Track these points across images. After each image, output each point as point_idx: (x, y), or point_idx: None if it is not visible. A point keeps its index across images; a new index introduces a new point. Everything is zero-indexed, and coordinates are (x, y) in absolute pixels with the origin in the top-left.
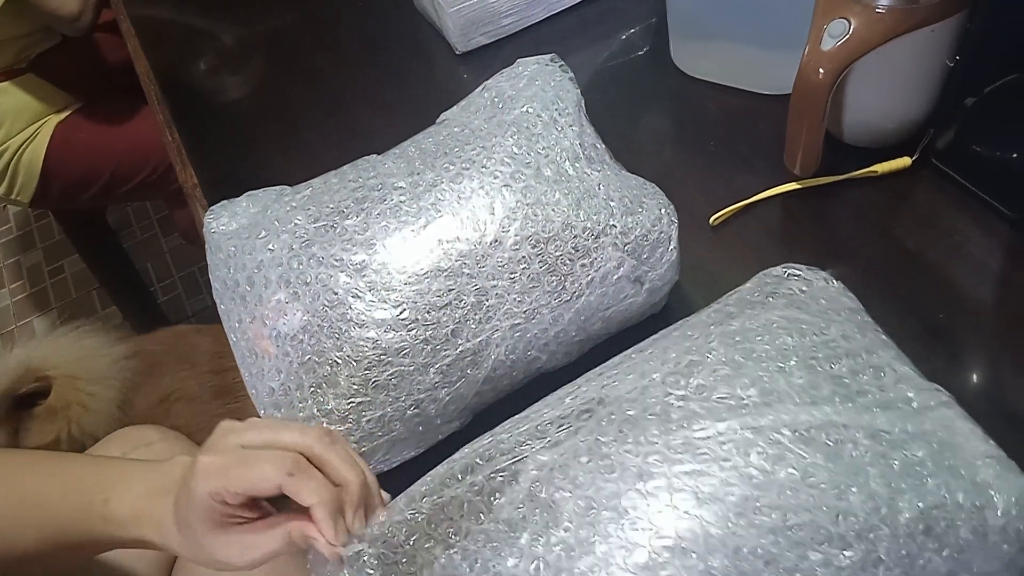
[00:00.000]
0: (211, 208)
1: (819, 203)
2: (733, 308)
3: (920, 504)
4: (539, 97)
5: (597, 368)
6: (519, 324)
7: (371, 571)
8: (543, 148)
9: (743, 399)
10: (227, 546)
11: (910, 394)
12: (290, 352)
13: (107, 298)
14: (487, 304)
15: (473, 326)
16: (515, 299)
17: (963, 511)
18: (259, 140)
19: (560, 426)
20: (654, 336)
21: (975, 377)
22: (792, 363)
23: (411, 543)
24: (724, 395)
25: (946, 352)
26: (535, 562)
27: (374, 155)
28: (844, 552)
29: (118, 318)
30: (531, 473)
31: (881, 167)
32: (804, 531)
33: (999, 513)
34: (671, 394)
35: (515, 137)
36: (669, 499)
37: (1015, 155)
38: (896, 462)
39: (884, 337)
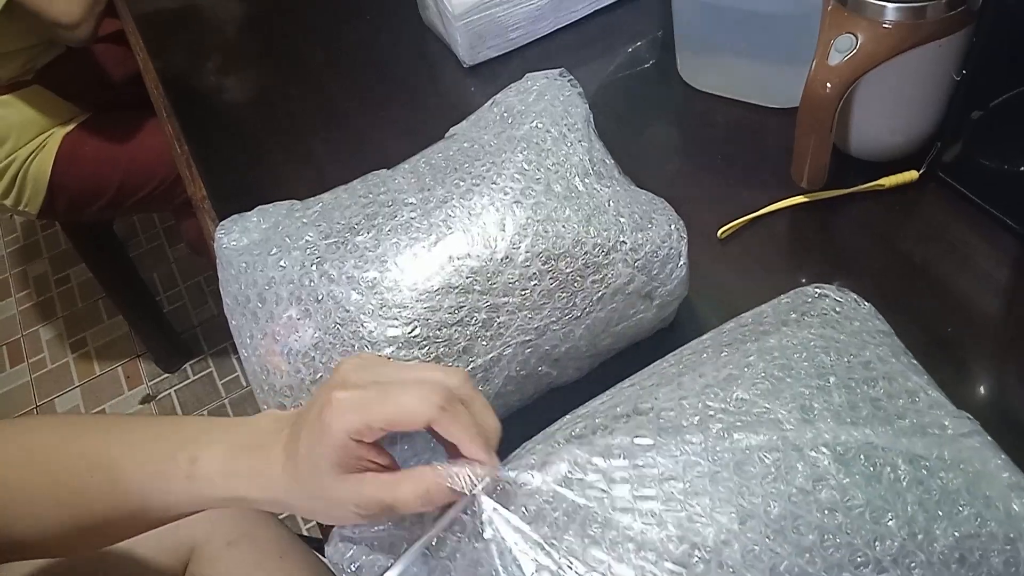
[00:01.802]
0: (222, 224)
1: (826, 216)
2: (768, 324)
3: (956, 533)
4: (548, 112)
5: (626, 380)
6: (530, 340)
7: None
8: (553, 164)
9: (783, 415)
10: (358, 492)
11: (945, 421)
12: (302, 369)
13: (113, 308)
14: (498, 321)
15: (484, 343)
16: (526, 316)
17: (996, 542)
18: (267, 153)
19: (594, 431)
20: (681, 349)
21: (982, 390)
22: (831, 382)
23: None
24: (764, 409)
25: (953, 365)
26: (565, 559)
27: (384, 170)
28: (880, 575)
29: (124, 328)
30: (563, 468)
31: (888, 181)
32: (841, 552)
33: None
34: (710, 406)
35: (525, 153)
36: (708, 509)
37: (1022, 168)
38: (933, 489)
39: (915, 362)
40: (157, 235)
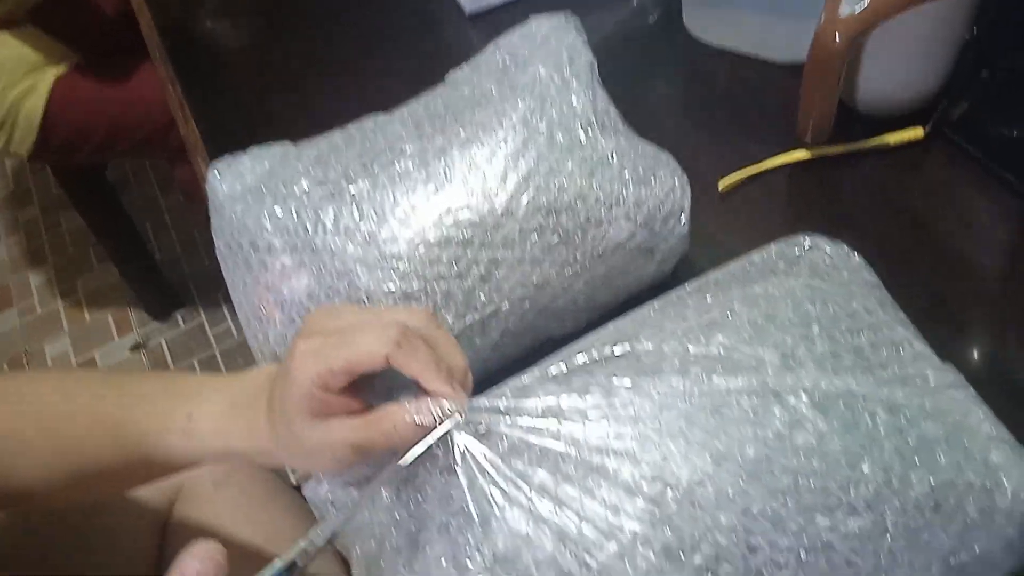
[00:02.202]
0: (214, 165)
1: (829, 173)
2: (754, 272)
3: (932, 480)
4: (552, 58)
5: (609, 325)
6: (528, 295)
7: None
8: (556, 114)
9: (764, 361)
10: (328, 436)
11: (928, 372)
12: (296, 320)
13: (104, 255)
14: (497, 275)
15: (483, 297)
16: (525, 270)
17: (973, 491)
18: (262, 96)
19: (573, 370)
20: (666, 294)
21: (980, 350)
22: (815, 331)
23: None
24: (745, 355)
25: (952, 325)
26: (541, 500)
27: (381, 115)
28: (852, 519)
29: (115, 275)
30: (538, 404)
31: (893, 137)
32: (814, 496)
33: (1008, 496)
34: (691, 350)
35: (527, 101)
36: (684, 450)
37: None
38: (911, 438)
39: (902, 315)
40: (150, 184)
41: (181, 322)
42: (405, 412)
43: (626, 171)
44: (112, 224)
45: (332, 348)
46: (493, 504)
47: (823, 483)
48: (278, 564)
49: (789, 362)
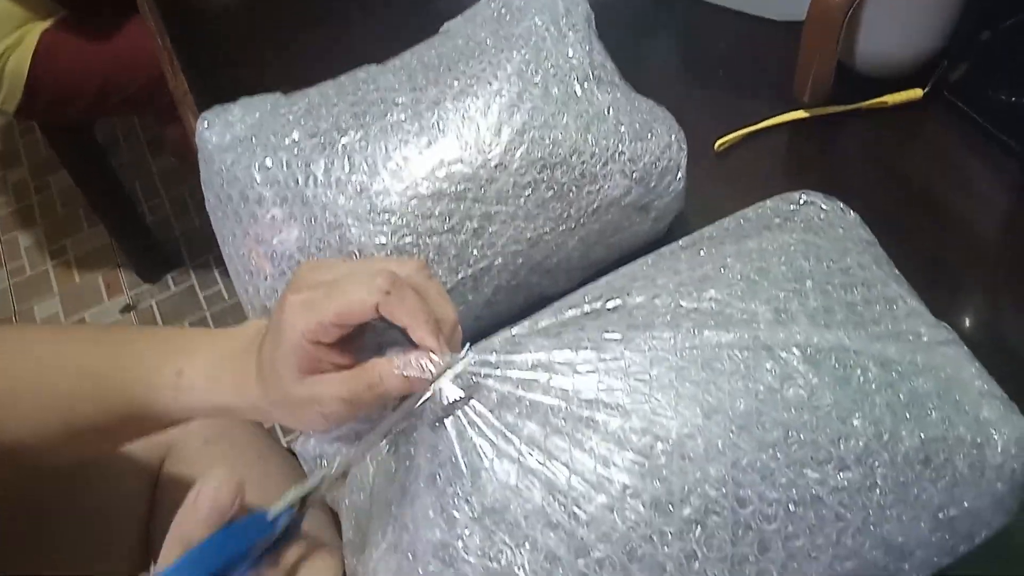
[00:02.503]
0: (203, 115)
1: (827, 133)
2: (748, 227)
3: (922, 435)
4: (548, 9)
5: (601, 279)
6: (522, 250)
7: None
8: (552, 66)
9: (757, 316)
10: (316, 391)
11: (921, 329)
12: (286, 272)
13: (94, 216)
14: (490, 230)
15: (475, 252)
16: (519, 225)
17: (963, 446)
18: (253, 48)
19: (564, 323)
20: (659, 250)
21: (975, 313)
22: (808, 286)
23: None
24: (738, 310)
25: (948, 286)
26: (531, 451)
27: (373, 65)
28: (841, 473)
29: (105, 237)
30: (528, 358)
31: (891, 98)
32: (804, 450)
33: (999, 451)
34: (682, 304)
35: (522, 52)
36: (674, 404)
37: None
38: (903, 392)
39: (896, 271)
40: (141, 146)
41: (172, 284)
42: (391, 364)
43: (622, 126)
44: (102, 185)
45: (322, 300)
46: (482, 456)
47: (813, 437)
48: (291, 495)
49: (781, 316)
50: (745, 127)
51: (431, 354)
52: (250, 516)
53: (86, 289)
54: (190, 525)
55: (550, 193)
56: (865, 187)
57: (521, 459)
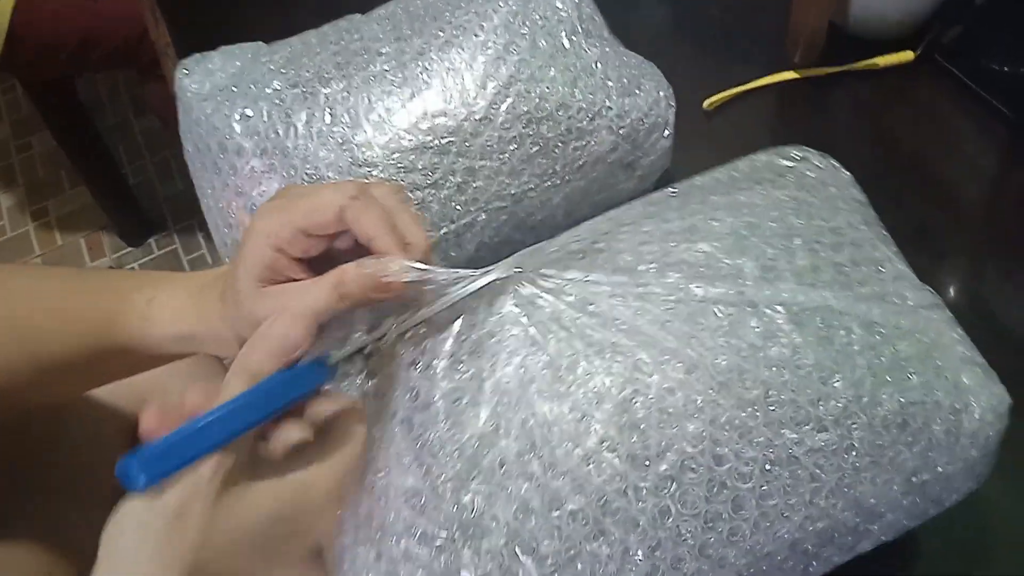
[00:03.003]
0: (182, 63)
1: (817, 94)
2: (741, 180)
3: (901, 399)
4: None
5: (588, 222)
6: (506, 207)
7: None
8: (540, 18)
9: (743, 270)
10: (279, 301)
11: (906, 292)
12: None
13: (76, 178)
14: (474, 185)
15: (458, 208)
16: (503, 181)
17: (941, 411)
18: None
19: (552, 268)
20: (648, 196)
21: (960, 276)
22: (796, 244)
23: None
24: (725, 264)
25: (933, 251)
26: (506, 396)
27: (358, 15)
28: (819, 434)
29: (87, 198)
30: (512, 308)
31: (883, 60)
32: (784, 409)
33: (975, 418)
34: (670, 253)
35: (510, 3)
36: (656, 357)
37: (1020, 55)
38: (885, 355)
39: (885, 233)
40: (124, 106)
41: (155, 248)
42: (358, 265)
43: (610, 81)
44: (84, 145)
45: (289, 203)
46: (460, 403)
47: (793, 397)
48: (353, 342)
49: (768, 273)
50: (735, 87)
51: (395, 259)
52: (313, 360)
53: (68, 251)
54: (259, 355)
55: (535, 148)
56: (854, 149)
57: (498, 408)
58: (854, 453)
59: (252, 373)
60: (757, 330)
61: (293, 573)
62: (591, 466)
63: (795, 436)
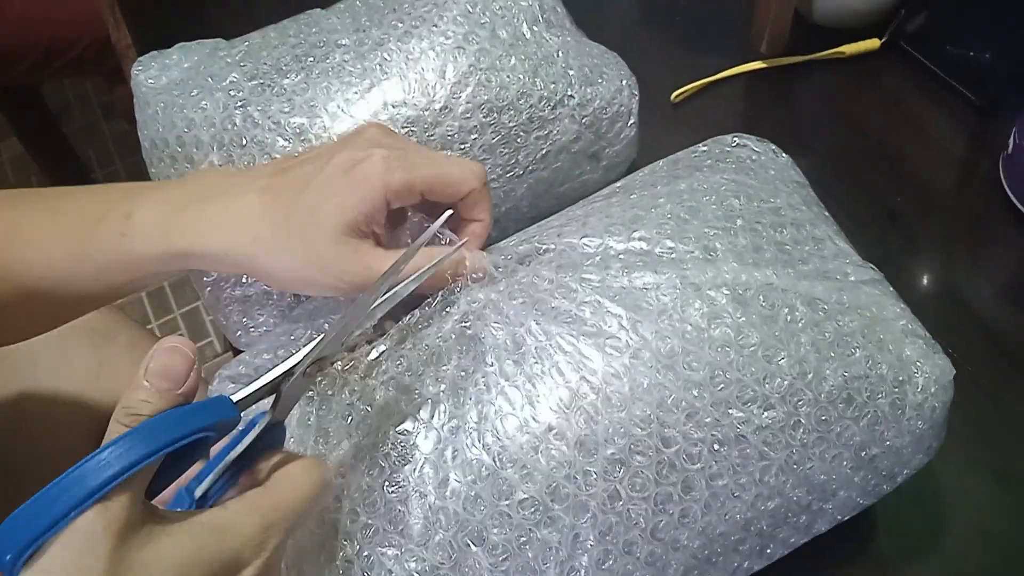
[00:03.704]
0: (139, 60)
1: (784, 84)
2: (681, 169)
3: (845, 374)
4: None
5: (533, 226)
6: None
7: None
8: (499, 7)
9: (685, 254)
10: (356, 254)
11: (848, 269)
12: None
13: (48, 183)
14: None
15: None
16: None
17: (885, 384)
18: (199, 1)
19: (497, 267)
20: (593, 195)
21: (928, 260)
22: (738, 224)
23: None
24: (666, 249)
25: (902, 236)
26: (455, 391)
27: (318, 9)
28: (766, 412)
29: None
30: (461, 306)
31: (849, 48)
32: (730, 389)
33: (919, 389)
34: (612, 245)
35: None
36: (600, 345)
37: (985, 41)
38: (828, 331)
39: (827, 213)
40: (93, 111)
41: None
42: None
43: (572, 70)
44: (54, 152)
45: (418, 161)
46: (407, 396)
47: (739, 376)
48: (261, 379)
49: (710, 255)
50: (702, 78)
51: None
52: (211, 398)
53: None
54: (139, 399)
55: (497, 138)
56: (822, 137)
57: (444, 400)
58: (801, 430)
59: (132, 418)
60: (701, 312)
61: None
62: (539, 453)
63: (742, 415)
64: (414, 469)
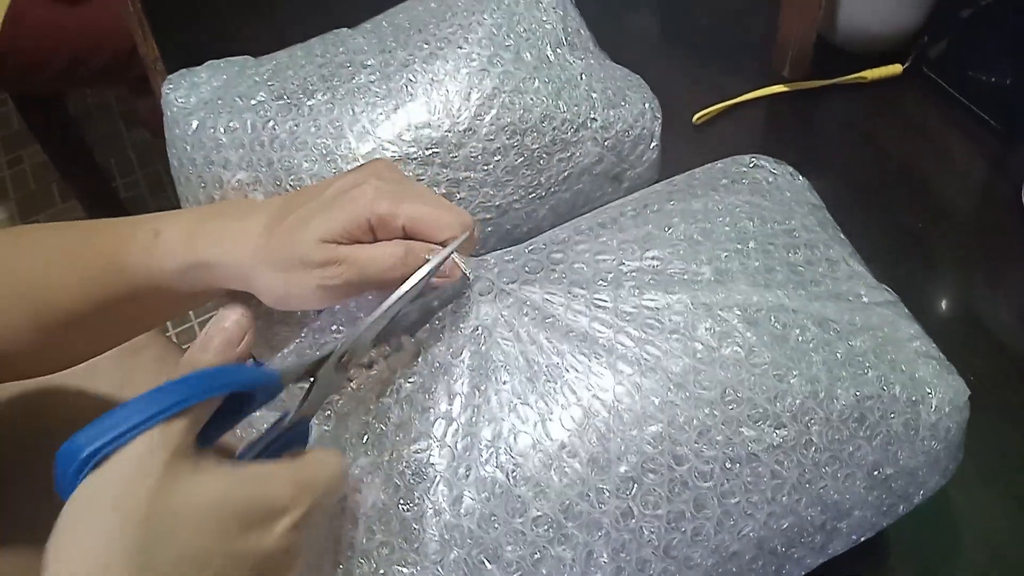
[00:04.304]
0: (169, 78)
1: (806, 107)
2: (697, 188)
3: (857, 393)
4: None
5: (545, 233)
6: (491, 219)
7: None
8: (524, 30)
9: (697, 275)
10: (333, 251)
11: (861, 291)
12: None
13: (68, 192)
14: (458, 196)
15: None
16: (488, 192)
17: (898, 404)
18: (226, 13)
19: (509, 280)
20: (607, 206)
21: (950, 285)
22: (750, 246)
23: None
24: (679, 269)
25: (922, 260)
26: (469, 409)
27: (345, 29)
28: (777, 431)
29: (79, 213)
30: (471, 322)
31: (871, 73)
32: (741, 408)
33: (933, 409)
34: (625, 263)
35: (494, 16)
36: (612, 363)
37: (1007, 68)
38: (840, 351)
39: (842, 236)
40: (115, 120)
41: None
42: (423, 246)
43: (595, 93)
44: (75, 160)
45: (411, 196)
46: (419, 416)
47: (750, 395)
48: (301, 360)
49: (722, 276)
50: (724, 100)
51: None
52: (258, 366)
53: None
54: (199, 354)
55: (520, 160)
56: (844, 161)
57: (458, 418)
58: (813, 449)
59: (192, 367)
60: (712, 332)
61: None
62: (552, 471)
63: (753, 434)
64: (429, 487)
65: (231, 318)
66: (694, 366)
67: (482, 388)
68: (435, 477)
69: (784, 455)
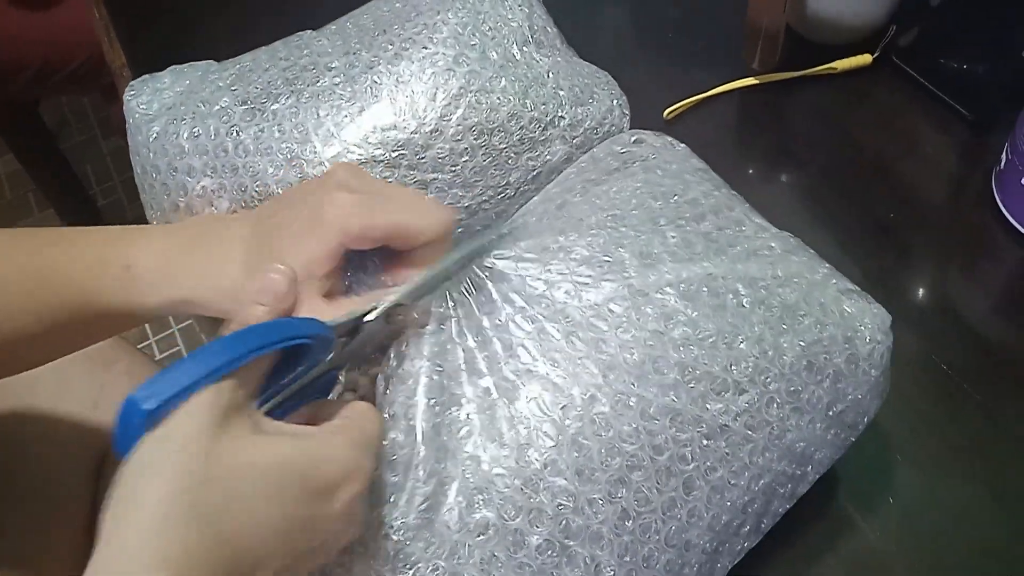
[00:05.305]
0: (131, 84)
1: (776, 99)
2: (591, 174)
3: (801, 342)
4: None
5: (468, 237)
6: (461, 220)
7: None
8: (489, 29)
9: (624, 263)
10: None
11: (772, 243)
12: None
13: (45, 201)
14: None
15: None
16: (457, 194)
17: (837, 343)
18: (194, 19)
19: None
20: (514, 215)
21: (923, 276)
22: (662, 224)
23: None
24: (605, 262)
25: (895, 250)
26: (438, 457)
27: (309, 31)
28: (740, 397)
29: (56, 221)
30: (424, 354)
31: (841, 64)
32: (702, 383)
33: (867, 341)
34: (551, 269)
35: (459, 15)
36: (571, 371)
37: (976, 56)
38: (774, 306)
39: (733, 192)
40: (90, 127)
41: None
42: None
43: (562, 91)
44: (50, 168)
45: (381, 207)
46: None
47: (707, 368)
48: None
49: (648, 259)
50: (695, 95)
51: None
52: (308, 318)
53: None
54: (249, 310)
55: (488, 160)
56: (815, 152)
57: (436, 466)
58: (776, 405)
59: (242, 323)
60: (655, 316)
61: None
62: (541, 494)
63: (720, 406)
64: (425, 547)
65: (275, 272)
66: (649, 354)
67: (448, 429)
68: (424, 536)
69: (751, 418)
